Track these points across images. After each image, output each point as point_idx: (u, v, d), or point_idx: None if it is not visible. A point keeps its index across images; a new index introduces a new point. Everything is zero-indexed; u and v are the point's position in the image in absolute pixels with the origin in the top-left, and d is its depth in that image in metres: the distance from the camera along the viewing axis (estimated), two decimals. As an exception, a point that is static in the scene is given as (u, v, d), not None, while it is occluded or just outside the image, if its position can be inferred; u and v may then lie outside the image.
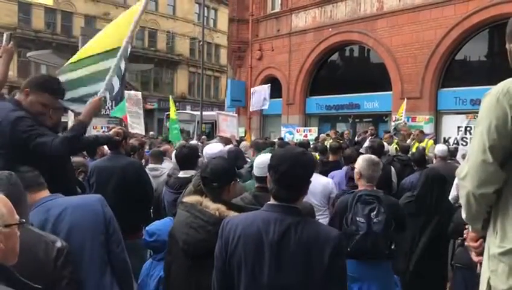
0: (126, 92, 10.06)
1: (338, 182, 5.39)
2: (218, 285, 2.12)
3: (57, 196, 2.44)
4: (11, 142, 2.69)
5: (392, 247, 3.37)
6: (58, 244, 2.05)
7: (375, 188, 3.54)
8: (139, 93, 11.08)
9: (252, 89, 14.78)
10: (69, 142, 2.77)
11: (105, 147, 5.00)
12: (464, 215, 1.87)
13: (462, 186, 1.80)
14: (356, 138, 12.57)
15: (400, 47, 14.65)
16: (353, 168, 3.99)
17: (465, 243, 1.98)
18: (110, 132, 3.64)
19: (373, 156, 3.77)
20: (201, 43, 25.05)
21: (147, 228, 3.22)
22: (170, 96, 13.67)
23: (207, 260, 2.36)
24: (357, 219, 3.31)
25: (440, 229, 4.19)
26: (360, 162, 3.58)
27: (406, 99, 12.99)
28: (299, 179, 2.06)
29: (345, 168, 5.84)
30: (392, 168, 6.25)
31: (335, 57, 18.11)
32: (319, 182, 4.80)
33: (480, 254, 1.86)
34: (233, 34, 20.72)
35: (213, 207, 2.44)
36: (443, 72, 14.03)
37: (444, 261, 4.45)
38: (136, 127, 9.30)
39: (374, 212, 3.31)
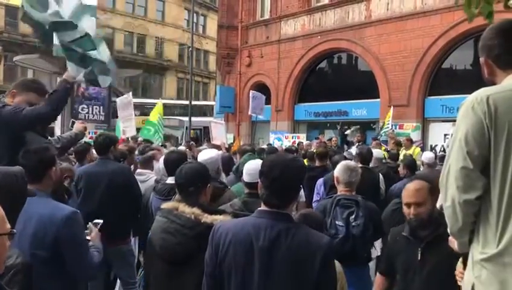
0: (117, 100, 10.02)
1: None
2: None
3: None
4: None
5: (373, 249, 3.43)
6: (9, 261, 1.92)
7: (353, 193, 3.59)
8: (129, 95, 11.00)
9: (251, 93, 14.85)
10: (52, 101, 3.09)
11: (94, 152, 4.96)
12: (449, 229, 1.88)
13: (447, 196, 1.81)
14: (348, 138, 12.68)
15: (387, 55, 14.80)
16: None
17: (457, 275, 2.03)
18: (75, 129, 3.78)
19: (351, 162, 3.86)
20: (190, 49, 25.03)
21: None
22: (160, 99, 13.59)
23: (185, 266, 2.36)
24: (336, 222, 3.37)
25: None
26: (338, 168, 3.66)
27: (392, 107, 13.11)
28: (290, 185, 2.07)
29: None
30: (380, 175, 6.29)
31: (323, 64, 18.22)
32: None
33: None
34: (222, 40, 20.75)
35: (188, 211, 2.45)
36: (430, 80, 14.20)
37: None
38: (129, 130, 9.24)
39: (353, 216, 3.38)
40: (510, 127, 1.70)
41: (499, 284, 1.66)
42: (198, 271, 2.27)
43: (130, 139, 8.79)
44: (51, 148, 2.73)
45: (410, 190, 2.79)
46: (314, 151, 7.61)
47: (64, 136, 3.82)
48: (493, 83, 1.90)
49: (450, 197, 1.80)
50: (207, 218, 2.41)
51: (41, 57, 19.54)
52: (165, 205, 2.60)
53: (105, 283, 4.45)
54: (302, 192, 4.94)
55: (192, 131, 20.87)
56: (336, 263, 2.87)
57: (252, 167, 3.00)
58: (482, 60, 1.95)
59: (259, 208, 2.11)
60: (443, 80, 14.13)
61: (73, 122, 6.45)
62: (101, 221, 2.91)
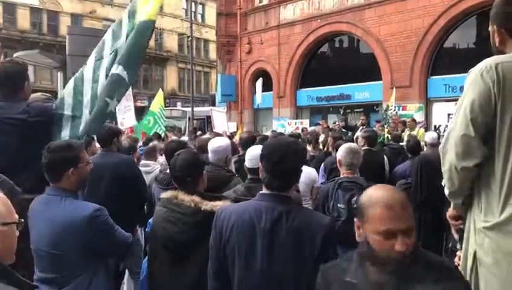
0: None
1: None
2: (214, 273, 2.14)
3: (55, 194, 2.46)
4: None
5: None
6: None
7: (356, 175, 3.59)
8: None
9: (257, 84, 14.93)
10: None
11: (97, 144, 4.96)
12: (446, 191, 1.91)
13: (445, 161, 1.84)
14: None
15: (388, 36, 14.69)
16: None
17: (448, 218, 2.02)
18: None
19: (353, 145, 3.84)
20: (189, 38, 24.92)
21: (149, 220, 3.23)
22: (160, 90, 13.55)
23: (188, 254, 2.39)
24: (338, 205, 3.38)
25: (435, 215, 4.22)
26: (341, 151, 3.66)
27: (395, 88, 13.04)
28: (291, 167, 2.08)
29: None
30: (385, 157, 6.29)
31: (324, 48, 18.11)
32: (303, 171, 4.83)
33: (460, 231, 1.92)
34: (221, 28, 20.63)
35: (188, 199, 2.48)
36: (432, 60, 14.10)
37: (440, 248, 4.49)
38: (127, 121, 9.20)
39: (355, 199, 3.37)
40: None
41: (502, 252, 1.67)
42: (201, 258, 2.31)
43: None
44: (75, 146, 2.57)
45: (391, 204, 1.44)
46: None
47: None
48: (502, 53, 1.88)
49: (447, 162, 1.82)
50: (206, 205, 2.43)
51: (41, 52, 19.49)
52: (164, 195, 2.62)
53: (115, 273, 4.49)
54: (316, 177, 4.93)
55: (195, 121, 20.85)
56: None
57: (253, 153, 3.00)
58: (493, 28, 1.92)
59: (260, 191, 2.13)
60: (445, 60, 14.02)
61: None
62: None
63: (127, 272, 4.76)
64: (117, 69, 2.97)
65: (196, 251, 2.43)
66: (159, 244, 2.58)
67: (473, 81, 1.77)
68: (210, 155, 3.65)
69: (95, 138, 4.48)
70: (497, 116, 1.71)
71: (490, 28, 1.93)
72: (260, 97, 14.24)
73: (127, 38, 3.08)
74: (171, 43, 38.58)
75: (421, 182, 3.45)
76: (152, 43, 37.49)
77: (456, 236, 1.97)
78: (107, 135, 4.25)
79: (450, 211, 1.99)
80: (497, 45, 1.91)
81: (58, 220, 2.36)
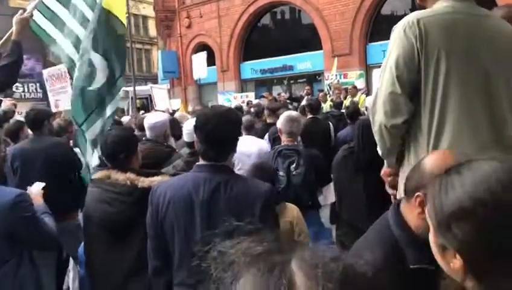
0: (43, 71, 9.43)
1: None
2: (154, 251, 2.07)
3: None
4: None
5: (322, 197, 3.48)
6: None
7: (295, 143, 3.61)
8: (61, 66, 10.33)
9: (193, 57, 14.50)
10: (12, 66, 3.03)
11: (29, 130, 4.69)
12: (379, 151, 1.94)
13: (375, 121, 1.86)
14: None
15: (326, 5, 14.78)
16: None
17: (382, 176, 2.05)
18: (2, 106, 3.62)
19: (293, 113, 3.88)
20: (127, 15, 23.97)
21: None
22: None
23: (127, 233, 2.32)
24: (278, 173, 3.39)
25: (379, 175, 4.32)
26: (281, 119, 3.68)
27: (336, 57, 13.22)
28: (226, 136, 2.02)
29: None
30: (331, 124, 6.39)
31: (266, 20, 18.00)
32: (255, 144, 4.80)
33: (394, 187, 1.95)
34: (159, 3, 19.97)
35: (122, 177, 2.38)
36: (370, 26, 14.37)
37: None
38: (62, 103, 8.69)
39: (293, 165, 3.41)
40: (440, 50, 1.72)
41: None
42: (140, 236, 2.23)
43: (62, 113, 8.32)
44: None
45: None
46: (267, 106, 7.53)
47: None
48: (424, 8, 1.92)
49: (377, 123, 1.84)
50: (143, 182, 2.35)
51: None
52: (96, 175, 2.51)
53: (58, 261, 4.32)
54: (268, 148, 4.92)
55: (138, 100, 20.24)
56: (294, 207, 2.92)
57: (190, 127, 2.93)
58: None
59: (197, 163, 2.06)
60: (383, 26, 14.30)
61: (0, 101, 6.07)
62: (43, 184, 2.74)
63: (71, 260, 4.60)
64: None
65: (135, 229, 2.35)
66: (94, 226, 2.48)
67: (397, 38, 1.79)
68: (147, 132, 3.54)
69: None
70: (422, 71, 1.74)
71: None
72: (205, 71, 13.88)
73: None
74: (107, 20, 37.01)
75: (363, 145, 3.52)
76: (87, 21, 35.80)
77: (390, 191, 2.01)
78: (36, 119, 4.02)
79: (384, 169, 2.03)
80: (417, 1, 1.95)
81: None
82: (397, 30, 1.81)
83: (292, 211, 2.89)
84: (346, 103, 9.36)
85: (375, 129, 1.88)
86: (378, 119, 1.83)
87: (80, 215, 4.48)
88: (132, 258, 2.37)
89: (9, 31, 3.20)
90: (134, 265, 2.36)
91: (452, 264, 0.86)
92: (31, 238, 2.36)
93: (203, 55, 13.68)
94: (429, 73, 1.73)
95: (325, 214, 4.23)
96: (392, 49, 1.81)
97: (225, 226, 1.74)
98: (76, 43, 3.45)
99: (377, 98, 1.83)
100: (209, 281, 0.62)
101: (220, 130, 1.97)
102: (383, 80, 1.81)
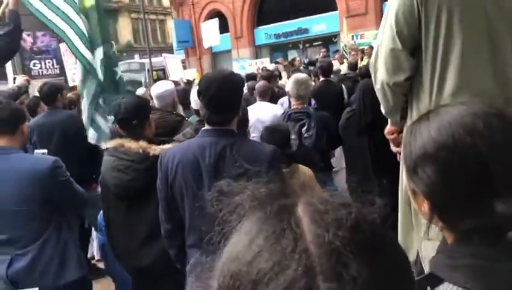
0: (62, 45, 9.51)
1: (286, 108, 5.40)
2: (165, 215, 2.14)
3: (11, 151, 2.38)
4: None
5: (334, 159, 3.49)
6: None
7: (305, 106, 3.59)
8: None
9: (202, 25, 14.33)
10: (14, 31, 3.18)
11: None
12: (383, 110, 1.91)
13: (377, 80, 1.83)
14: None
15: (340, -37, 14.36)
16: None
17: (386, 134, 2.04)
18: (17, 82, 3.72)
19: (301, 75, 3.85)
20: (138, -15, 23.67)
21: None
22: (113, 42, 13.05)
23: (142, 200, 2.38)
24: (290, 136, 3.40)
25: (384, 136, 4.29)
26: (289, 83, 3.66)
27: (345, 19, 12.90)
28: (229, 100, 2.03)
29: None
30: (343, 86, 6.31)
31: (278, -18, 17.61)
32: (268, 110, 4.80)
33: (398, 145, 1.94)
34: (169, -29, 19.69)
35: (135, 146, 2.43)
36: (386, -16, 13.94)
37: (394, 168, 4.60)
38: (77, 77, 8.81)
39: (305, 128, 3.41)
40: (440, 4, 1.67)
41: None
42: (155, 203, 2.28)
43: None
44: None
45: None
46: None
47: (5, 91, 3.66)
48: None
49: (379, 80, 1.81)
50: (155, 150, 2.39)
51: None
52: (110, 143, 2.56)
53: (81, 230, 4.47)
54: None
55: (154, 72, 20.28)
56: (306, 168, 2.94)
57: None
58: None
59: (202, 128, 2.09)
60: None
61: (14, 78, 6.17)
62: (45, 150, 2.86)
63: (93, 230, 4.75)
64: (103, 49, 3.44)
65: (150, 196, 2.41)
66: (111, 193, 2.55)
67: None
68: (156, 102, 3.56)
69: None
70: (422, 26, 1.70)
71: None
72: (217, 39, 13.68)
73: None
74: (119, -8, 36.73)
75: (365, 106, 3.48)
76: (99, -6, 35.56)
77: (395, 149, 2.00)
78: (49, 93, 4.10)
79: (388, 128, 2.01)
80: None
81: (23, 174, 2.32)
82: None
83: (304, 171, 2.91)
84: (362, 63, 9.21)
85: (377, 87, 1.86)
86: (380, 77, 1.81)
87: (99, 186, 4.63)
88: (148, 223, 2.44)
89: (5, 2, 3.29)
90: (150, 229, 2.43)
91: (423, 208, 0.88)
92: (68, 200, 2.52)
93: (214, 22, 13.47)
94: (430, 27, 1.69)
95: (339, 177, 4.25)
96: (391, 5, 1.76)
97: (236, 169, 1.81)
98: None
99: (378, 55, 1.80)
100: (215, 227, 0.59)
101: (222, 94, 1.98)
102: (384, 36, 1.78)
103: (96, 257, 5.08)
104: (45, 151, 2.84)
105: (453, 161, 0.82)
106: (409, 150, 0.90)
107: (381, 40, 1.80)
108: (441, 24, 1.68)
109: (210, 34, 13.13)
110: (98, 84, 3.42)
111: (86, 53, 3.40)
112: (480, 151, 0.80)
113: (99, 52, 3.44)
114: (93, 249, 5.07)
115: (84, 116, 3.55)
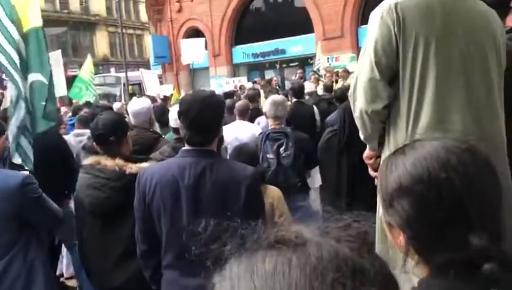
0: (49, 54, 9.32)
1: (263, 127, 5.45)
2: (142, 236, 2.12)
3: None
4: None
5: (310, 179, 3.54)
6: None
7: (283, 126, 3.66)
8: (57, 52, 10.29)
9: (181, 41, 14.32)
10: None
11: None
12: (361, 136, 1.96)
13: (355, 108, 1.88)
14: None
15: (318, -13, 14.70)
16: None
17: (364, 159, 2.09)
18: None
19: (277, 97, 3.93)
20: (117, 0, 23.61)
21: None
22: (89, 56, 12.87)
23: (117, 218, 2.36)
24: (267, 155, 3.46)
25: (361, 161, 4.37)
26: (266, 104, 3.73)
27: (320, 42, 13.16)
28: (210, 121, 2.05)
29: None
30: (315, 107, 6.42)
31: (258, 3, 17.85)
32: (247, 129, 4.84)
33: (376, 169, 1.98)
34: (149, -13, 19.74)
35: (111, 164, 2.42)
36: (362, 9, 14.31)
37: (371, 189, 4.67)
38: (57, 90, 8.64)
39: (283, 148, 3.47)
40: (417, 34, 1.73)
41: None
42: (130, 221, 2.26)
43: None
44: None
45: None
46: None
47: None
48: None
49: (358, 108, 1.86)
50: (131, 168, 2.38)
51: None
52: (87, 161, 2.54)
53: (51, 246, 4.35)
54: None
55: (130, 86, 20.12)
56: (275, 188, 2.95)
57: (175, 113, 2.94)
58: None
59: (182, 148, 2.09)
60: (375, 8, 14.26)
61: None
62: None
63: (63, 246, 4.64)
64: (36, 77, 3.30)
65: (125, 214, 2.38)
66: (86, 211, 2.52)
67: (375, 24, 1.80)
68: (132, 119, 3.55)
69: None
70: (400, 56, 1.76)
71: None
72: (202, 56, 13.50)
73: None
74: (98, 6, 36.44)
75: (344, 127, 3.56)
76: (77, 6, 35.27)
77: (373, 174, 2.04)
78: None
79: (366, 152, 2.06)
80: None
81: None
82: (375, 16, 1.82)
83: (273, 192, 2.90)
84: (337, 86, 9.38)
85: (356, 115, 1.90)
86: (359, 105, 1.86)
87: (72, 203, 4.53)
88: (123, 242, 2.41)
89: None
90: (125, 248, 2.40)
91: (399, 241, 0.90)
92: (39, 218, 2.45)
93: (200, 41, 13.47)
94: (407, 58, 1.75)
95: (313, 197, 4.29)
96: (370, 36, 1.82)
97: (215, 190, 1.79)
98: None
99: (357, 84, 1.85)
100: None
101: (203, 116, 2.00)
102: (362, 66, 1.83)
103: (66, 275, 4.95)
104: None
105: (428, 194, 0.84)
106: (385, 183, 0.92)
107: (359, 70, 1.85)
108: (417, 55, 1.74)
109: (192, 51, 13.12)
110: (27, 110, 3.30)
111: (18, 78, 3.25)
112: (454, 185, 0.83)
113: (33, 78, 3.32)
114: (63, 267, 4.94)
115: (10, 138, 3.36)
